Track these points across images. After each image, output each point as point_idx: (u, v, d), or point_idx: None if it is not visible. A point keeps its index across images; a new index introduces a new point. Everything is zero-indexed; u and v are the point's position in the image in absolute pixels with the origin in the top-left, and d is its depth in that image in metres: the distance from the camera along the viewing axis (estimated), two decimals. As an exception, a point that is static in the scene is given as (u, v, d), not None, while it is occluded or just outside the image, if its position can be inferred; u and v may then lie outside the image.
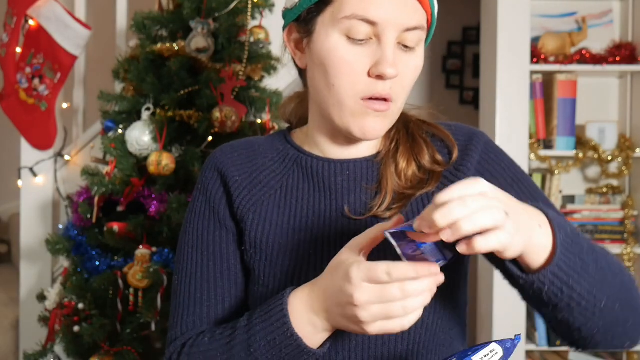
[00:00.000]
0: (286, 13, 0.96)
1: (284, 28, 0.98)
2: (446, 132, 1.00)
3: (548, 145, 2.70)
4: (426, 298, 0.76)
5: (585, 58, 2.66)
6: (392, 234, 0.76)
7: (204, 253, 1.00)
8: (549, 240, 0.79)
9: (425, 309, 0.80)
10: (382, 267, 0.75)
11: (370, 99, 0.89)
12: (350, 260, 0.79)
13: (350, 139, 0.97)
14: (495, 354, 0.77)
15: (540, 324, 2.68)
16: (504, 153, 1.02)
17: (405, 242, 0.76)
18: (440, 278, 0.76)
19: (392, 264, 0.75)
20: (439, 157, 0.98)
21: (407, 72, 0.90)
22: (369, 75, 0.88)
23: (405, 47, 0.89)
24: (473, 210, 0.69)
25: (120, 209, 2.14)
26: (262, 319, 0.86)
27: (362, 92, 0.89)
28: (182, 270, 1.01)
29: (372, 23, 0.86)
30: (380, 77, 0.88)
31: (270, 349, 0.84)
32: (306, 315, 0.83)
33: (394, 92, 0.90)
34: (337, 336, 0.91)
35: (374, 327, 0.77)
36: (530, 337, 2.72)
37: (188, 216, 1.03)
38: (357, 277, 0.76)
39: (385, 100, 0.90)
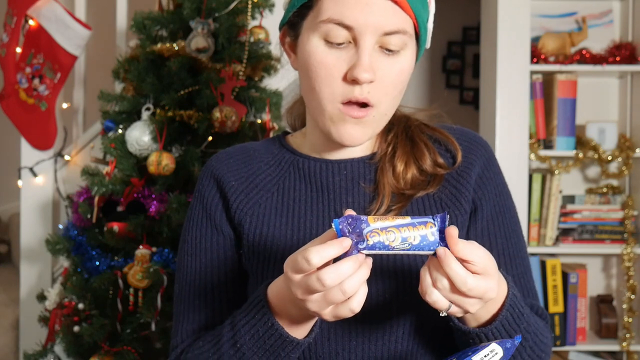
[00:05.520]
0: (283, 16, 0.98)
1: (279, 31, 0.99)
2: (449, 136, 1.00)
3: (548, 145, 2.70)
4: (361, 275, 0.74)
5: (585, 58, 2.66)
6: (341, 221, 0.75)
7: (202, 260, 1.01)
8: (495, 310, 0.84)
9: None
10: (301, 254, 0.75)
11: (349, 102, 0.89)
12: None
13: None
14: (496, 354, 0.77)
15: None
16: (501, 172, 1.02)
17: (356, 231, 0.74)
18: (347, 245, 0.74)
19: (312, 248, 0.74)
20: (440, 160, 0.98)
21: (388, 76, 0.89)
22: (345, 79, 0.88)
23: (389, 50, 0.88)
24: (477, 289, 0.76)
25: (120, 209, 2.15)
26: (244, 313, 0.87)
27: (340, 97, 0.89)
28: (182, 278, 1.02)
29: (347, 27, 0.86)
30: (355, 81, 0.87)
31: (255, 342, 0.85)
32: (282, 305, 0.83)
33: (373, 97, 0.89)
34: (337, 337, 0.92)
35: (328, 315, 0.77)
36: (530, 337, 2.71)
37: (186, 224, 1.04)
38: (288, 271, 0.77)
39: (364, 105, 0.89)
